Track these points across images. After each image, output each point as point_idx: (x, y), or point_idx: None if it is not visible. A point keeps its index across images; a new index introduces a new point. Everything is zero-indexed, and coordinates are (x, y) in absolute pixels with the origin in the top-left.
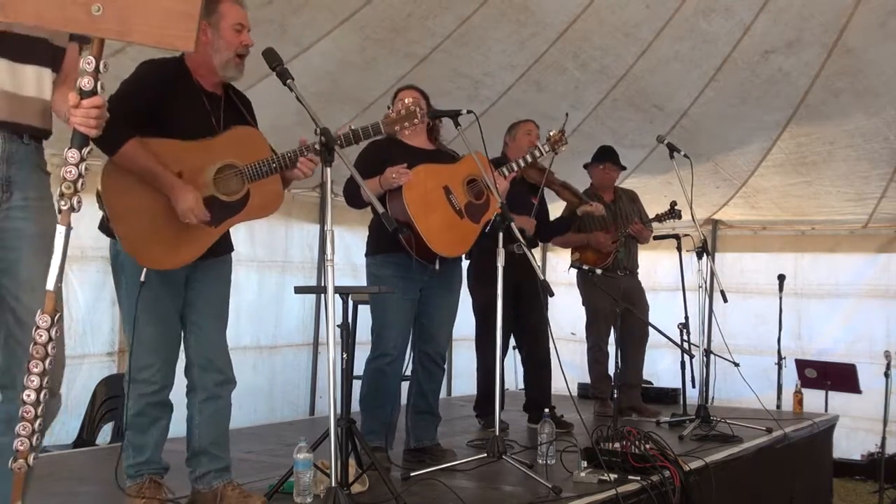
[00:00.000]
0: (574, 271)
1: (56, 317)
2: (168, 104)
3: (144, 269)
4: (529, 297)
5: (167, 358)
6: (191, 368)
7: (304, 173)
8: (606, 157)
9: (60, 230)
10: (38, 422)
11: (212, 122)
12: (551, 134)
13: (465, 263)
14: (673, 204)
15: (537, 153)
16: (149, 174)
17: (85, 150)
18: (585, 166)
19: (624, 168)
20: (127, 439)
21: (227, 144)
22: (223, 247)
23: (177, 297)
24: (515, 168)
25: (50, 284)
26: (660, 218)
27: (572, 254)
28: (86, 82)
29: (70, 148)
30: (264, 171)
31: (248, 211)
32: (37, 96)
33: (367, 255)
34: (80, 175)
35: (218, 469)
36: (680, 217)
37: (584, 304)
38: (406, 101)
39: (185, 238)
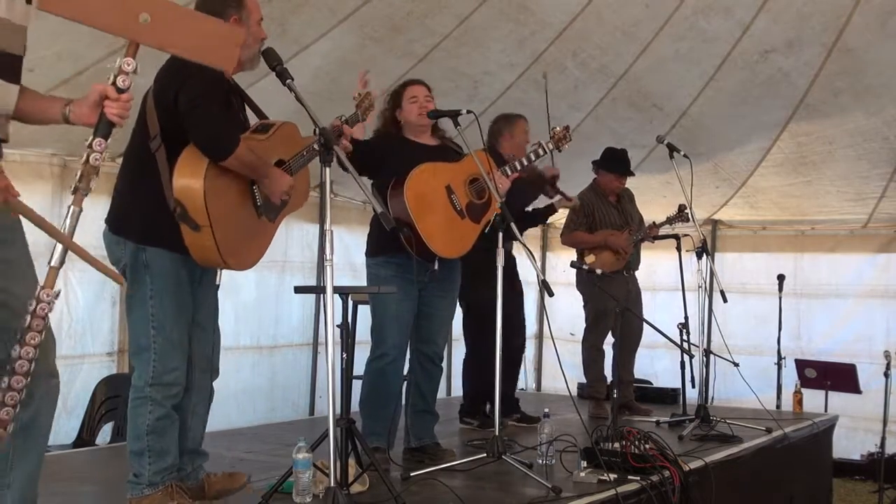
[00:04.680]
0: (573, 271)
1: (56, 293)
2: None
3: (220, 272)
4: (510, 295)
5: (186, 360)
6: (191, 371)
7: (346, 143)
8: (621, 169)
9: (74, 212)
10: (24, 392)
11: (240, 116)
12: (557, 130)
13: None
14: (682, 207)
15: (541, 151)
16: (253, 166)
17: (109, 140)
18: (594, 165)
19: (633, 174)
20: (146, 445)
21: (278, 141)
22: None
23: (191, 299)
24: (518, 167)
25: (55, 261)
26: (670, 221)
27: (586, 255)
28: (122, 81)
29: (96, 137)
30: (302, 162)
31: (291, 204)
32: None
33: (367, 255)
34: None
35: (203, 462)
36: (689, 220)
37: (585, 306)
38: (371, 90)
39: (256, 236)
